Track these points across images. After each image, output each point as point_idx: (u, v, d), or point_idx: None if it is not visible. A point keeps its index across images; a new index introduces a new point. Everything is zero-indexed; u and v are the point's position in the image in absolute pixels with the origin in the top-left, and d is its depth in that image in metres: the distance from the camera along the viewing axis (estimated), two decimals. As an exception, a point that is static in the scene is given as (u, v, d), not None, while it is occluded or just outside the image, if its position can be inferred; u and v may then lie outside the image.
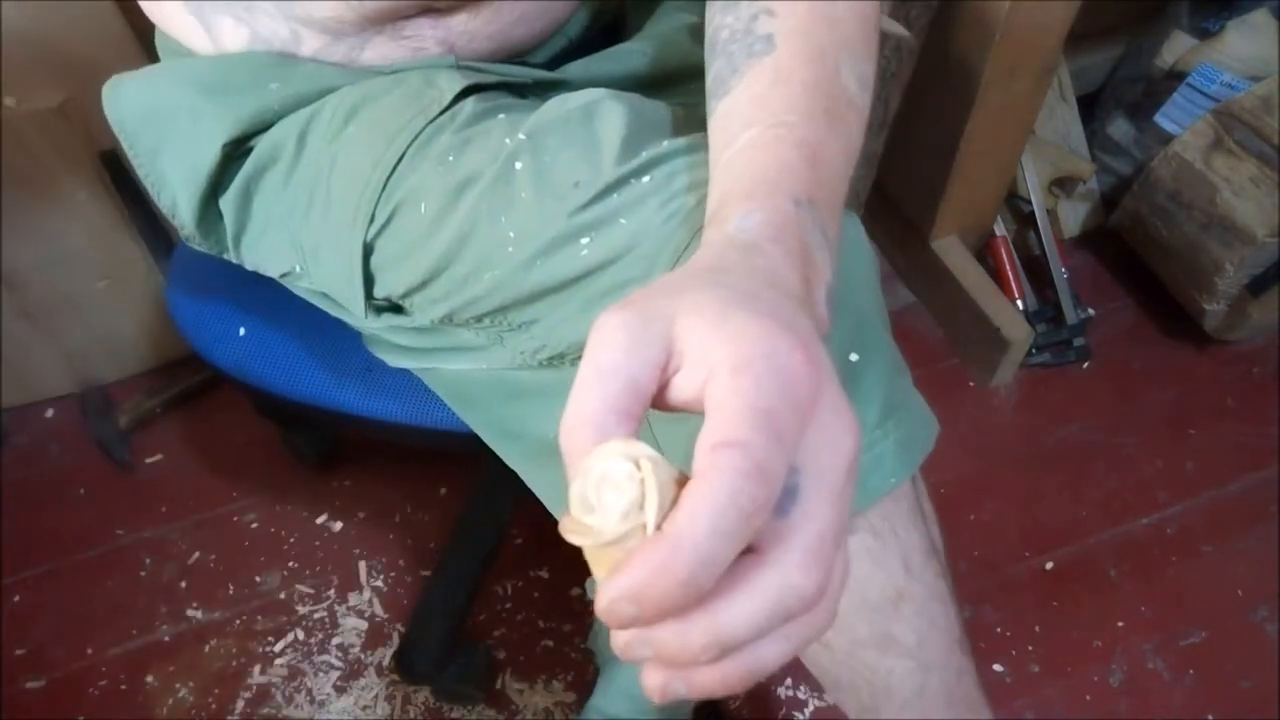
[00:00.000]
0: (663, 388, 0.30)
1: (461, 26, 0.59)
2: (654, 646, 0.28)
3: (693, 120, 0.54)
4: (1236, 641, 1.07)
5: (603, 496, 0.27)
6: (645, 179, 0.48)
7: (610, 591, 0.26)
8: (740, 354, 0.28)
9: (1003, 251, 1.30)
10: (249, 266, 0.65)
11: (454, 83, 0.55)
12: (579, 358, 0.48)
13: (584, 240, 0.48)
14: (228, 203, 0.60)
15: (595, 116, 0.51)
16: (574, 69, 0.63)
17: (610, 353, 0.30)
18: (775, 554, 0.28)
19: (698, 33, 0.66)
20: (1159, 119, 1.33)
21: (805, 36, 0.44)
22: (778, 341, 0.29)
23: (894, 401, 0.48)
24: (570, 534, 0.28)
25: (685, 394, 0.30)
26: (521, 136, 0.51)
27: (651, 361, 0.30)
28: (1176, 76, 1.31)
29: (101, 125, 0.62)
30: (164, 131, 0.59)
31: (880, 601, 0.53)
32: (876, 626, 0.54)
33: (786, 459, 0.27)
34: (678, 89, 0.64)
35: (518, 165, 0.50)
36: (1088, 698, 1.04)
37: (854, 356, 0.47)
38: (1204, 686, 1.04)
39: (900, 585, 0.53)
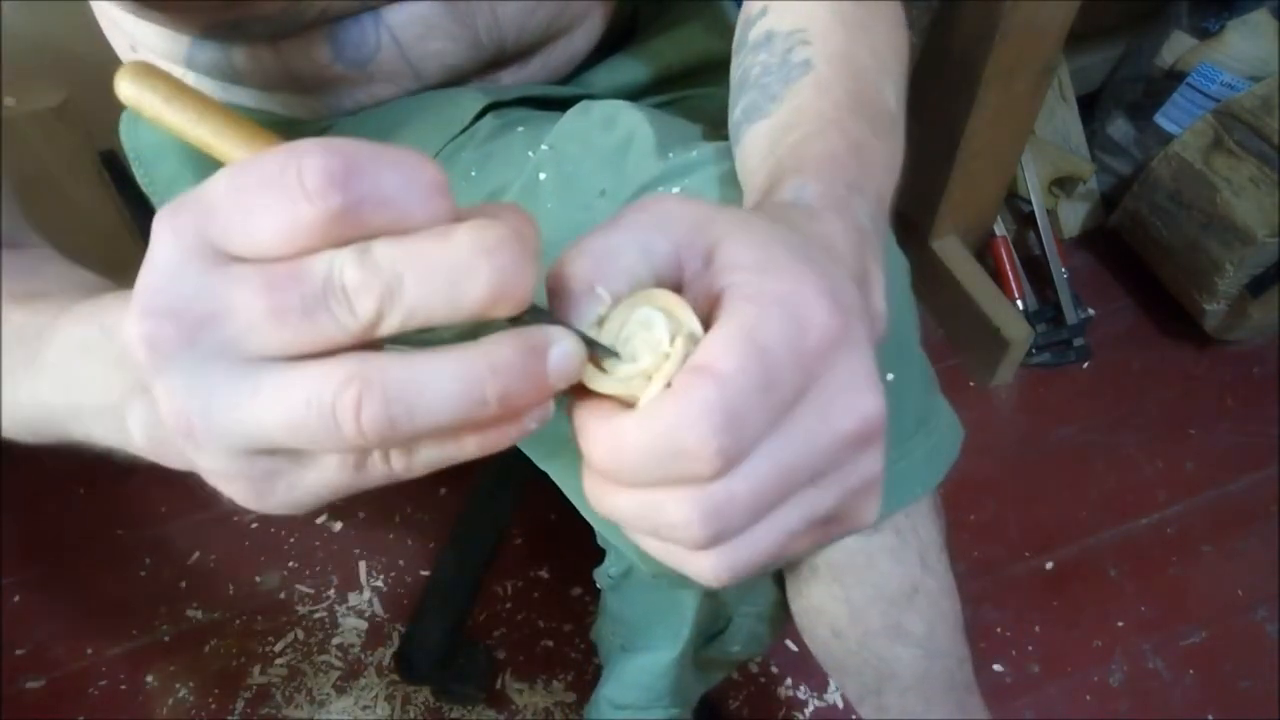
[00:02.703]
0: (683, 285, 0.29)
1: (509, 79, 0.59)
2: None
3: (707, 118, 0.53)
4: (1236, 641, 1.07)
5: (632, 343, 0.27)
6: (675, 188, 0.47)
7: (579, 410, 0.27)
8: (762, 286, 0.26)
9: (1003, 251, 1.30)
10: None
11: (475, 101, 0.55)
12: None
13: None
14: None
15: (616, 126, 0.51)
16: (592, 79, 0.63)
17: (652, 219, 0.29)
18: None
19: (710, 24, 0.66)
20: (1159, 119, 1.33)
21: (845, 59, 0.43)
22: (806, 287, 0.26)
23: (924, 414, 0.49)
24: (587, 379, 0.28)
25: (698, 301, 0.28)
26: (545, 148, 0.51)
27: (694, 251, 0.28)
28: (1176, 76, 1.31)
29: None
30: (184, 160, 0.59)
31: (896, 595, 0.55)
32: (889, 618, 0.56)
33: (769, 413, 0.25)
34: (693, 81, 0.64)
35: (542, 176, 0.50)
36: (1088, 698, 1.04)
37: (890, 376, 0.47)
38: (1204, 686, 1.04)
39: (916, 580, 0.54)
